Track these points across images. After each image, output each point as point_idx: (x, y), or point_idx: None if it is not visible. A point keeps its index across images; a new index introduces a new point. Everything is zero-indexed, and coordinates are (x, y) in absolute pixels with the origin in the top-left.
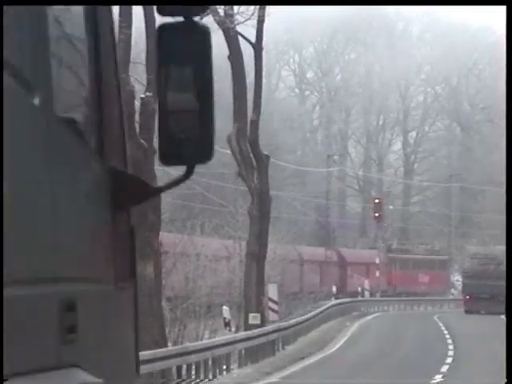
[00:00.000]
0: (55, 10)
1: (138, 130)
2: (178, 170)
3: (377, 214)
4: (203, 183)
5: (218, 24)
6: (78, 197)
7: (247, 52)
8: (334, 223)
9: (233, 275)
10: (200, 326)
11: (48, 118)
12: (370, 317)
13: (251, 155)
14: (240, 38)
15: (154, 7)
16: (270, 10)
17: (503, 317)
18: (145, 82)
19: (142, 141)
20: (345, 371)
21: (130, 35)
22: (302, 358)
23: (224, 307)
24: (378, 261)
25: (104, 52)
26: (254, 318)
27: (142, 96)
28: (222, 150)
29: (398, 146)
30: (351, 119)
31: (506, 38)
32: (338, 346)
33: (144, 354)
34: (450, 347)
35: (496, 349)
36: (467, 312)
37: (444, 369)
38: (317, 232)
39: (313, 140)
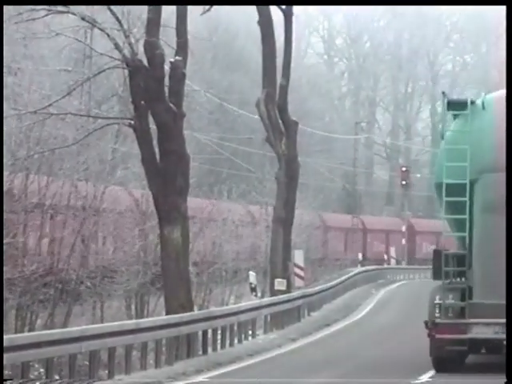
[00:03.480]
0: None
1: (167, 93)
2: (206, 136)
3: (404, 182)
4: (231, 148)
5: None
6: None
7: (277, 17)
8: (360, 191)
9: (259, 241)
10: (226, 291)
11: None
12: (395, 284)
13: (280, 121)
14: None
15: None
16: None
17: None
18: (174, 46)
19: (171, 104)
20: (369, 338)
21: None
22: (328, 325)
23: (250, 272)
24: (404, 229)
25: None
26: (279, 284)
27: (172, 60)
28: (250, 115)
29: (426, 113)
30: (379, 86)
31: (506, 37)
32: (363, 314)
33: (170, 318)
34: None
35: None
36: None
37: None
38: (343, 199)
39: (341, 107)
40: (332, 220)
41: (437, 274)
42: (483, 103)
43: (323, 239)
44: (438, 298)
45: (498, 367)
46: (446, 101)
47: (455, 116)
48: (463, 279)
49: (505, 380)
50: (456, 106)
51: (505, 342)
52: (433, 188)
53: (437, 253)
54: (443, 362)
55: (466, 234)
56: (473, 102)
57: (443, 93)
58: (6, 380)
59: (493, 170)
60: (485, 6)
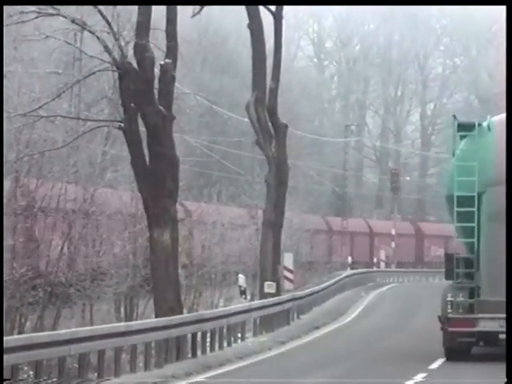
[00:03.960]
0: None
1: (156, 96)
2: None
3: (393, 185)
4: (220, 151)
5: None
6: None
7: (267, 20)
8: (350, 193)
9: (249, 244)
10: (215, 293)
11: None
12: (385, 287)
13: (269, 123)
14: (260, 6)
15: None
16: None
17: None
18: (164, 49)
19: (161, 107)
20: (358, 341)
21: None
22: (317, 328)
23: (240, 275)
24: (393, 232)
25: None
26: (269, 287)
27: (161, 63)
28: (239, 118)
29: (415, 117)
30: (369, 89)
31: (505, 37)
32: (352, 317)
33: (160, 321)
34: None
35: None
36: None
37: None
38: (333, 202)
39: (331, 110)
40: (323, 223)
41: (449, 275)
42: (488, 125)
43: (315, 241)
44: (449, 295)
45: (500, 357)
46: (456, 123)
47: (464, 136)
48: (471, 279)
49: (505, 380)
50: (465, 128)
51: (503, 336)
52: (444, 200)
53: (449, 256)
54: (454, 351)
55: (475, 240)
56: (479, 125)
57: (454, 116)
58: (5, 380)
59: (496, 183)
60: (485, 6)
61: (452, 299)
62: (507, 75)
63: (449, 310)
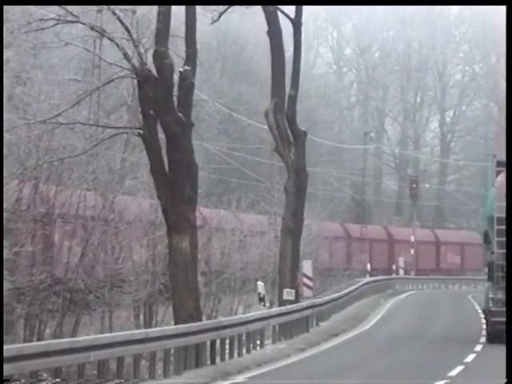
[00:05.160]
0: None
1: (176, 103)
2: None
3: (413, 193)
4: (240, 158)
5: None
6: None
7: (286, 28)
8: (369, 201)
9: (268, 251)
10: (234, 300)
11: None
12: (404, 295)
13: (288, 131)
14: (279, 13)
15: None
16: None
17: None
18: (183, 56)
19: (180, 114)
20: (378, 348)
21: (169, 9)
22: (336, 335)
23: (259, 282)
24: (412, 239)
25: None
26: (288, 294)
27: (181, 70)
28: (259, 125)
29: (434, 124)
30: (388, 96)
31: (506, 37)
32: (371, 324)
33: (179, 328)
34: (484, 327)
35: None
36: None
37: (478, 348)
38: (352, 209)
39: (350, 117)
40: (342, 230)
41: (490, 278)
42: None
43: (334, 248)
44: (491, 293)
45: None
46: (495, 161)
47: (501, 171)
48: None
49: (505, 380)
50: (502, 164)
51: None
52: (485, 220)
53: (490, 263)
54: (494, 336)
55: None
56: None
57: (494, 155)
58: (5, 380)
59: None
60: (485, 5)
61: (493, 296)
62: (507, 75)
63: (490, 305)
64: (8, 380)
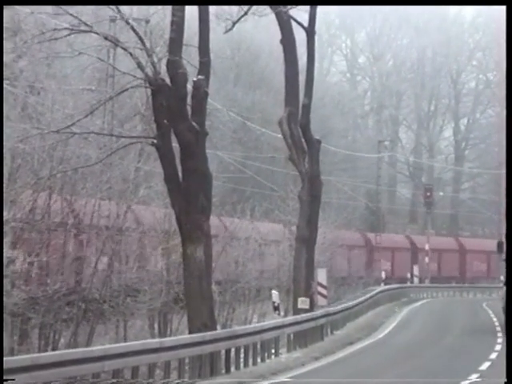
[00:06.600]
0: None
1: (189, 112)
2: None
3: (427, 201)
4: (254, 167)
5: (272, 8)
6: None
7: (299, 36)
8: (383, 209)
9: (282, 259)
10: (249, 309)
11: None
12: (418, 303)
13: (302, 139)
14: (293, 22)
15: None
16: None
17: None
18: (197, 65)
19: (194, 123)
20: (392, 356)
21: (182, 18)
22: (351, 343)
23: (273, 291)
24: (427, 247)
25: None
26: (302, 303)
27: (194, 79)
28: (273, 134)
29: (449, 132)
30: (402, 105)
31: (506, 37)
32: (386, 332)
33: (193, 337)
34: (499, 334)
35: None
36: None
37: (493, 356)
38: (366, 217)
39: (364, 125)
40: (355, 238)
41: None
42: None
43: (348, 257)
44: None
45: None
46: None
47: None
48: None
49: (505, 380)
50: None
51: None
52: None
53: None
54: None
55: None
56: None
57: None
58: (5, 380)
59: None
60: (485, 5)
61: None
62: (507, 75)
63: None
64: (7, 380)
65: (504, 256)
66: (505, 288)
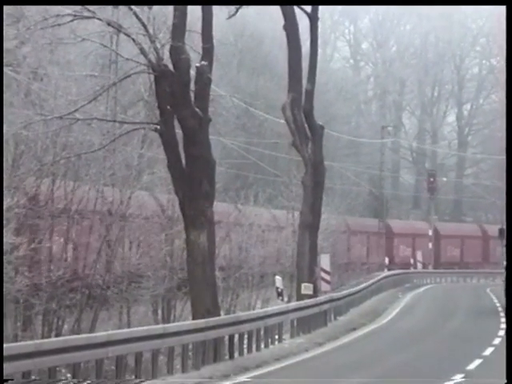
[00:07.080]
0: None
1: (193, 98)
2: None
3: (430, 186)
4: (257, 153)
5: None
6: None
7: (303, 22)
8: (387, 195)
9: (285, 245)
10: (252, 295)
11: None
12: (422, 289)
13: (306, 125)
14: (296, 7)
15: None
16: None
17: None
18: (200, 51)
19: (197, 109)
20: (396, 342)
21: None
22: (354, 329)
23: (277, 277)
24: (430, 233)
25: None
26: (306, 288)
27: (197, 65)
28: (276, 120)
29: (452, 118)
30: (406, 90)
31: (505, 37)
32: (389, 318)
33: (197, 323)
34: (502, 320)
35: None
36: None
37: (497, 341)
38: (370, 203)
39: (367, 111)
40: (360, 224)
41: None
42: None
43: (352, 243)
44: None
45: None
46: None
47: None
48: None
49: (505, 381)
50: None
51: None
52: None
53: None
54: None
55: None
56: None
57: None
58: (6, 380)
59: None
60: (485, 5)
61: None
62: (507, 75)
63: None
64: (7, 380)
65: (505, 242)
66: (505, 273)
